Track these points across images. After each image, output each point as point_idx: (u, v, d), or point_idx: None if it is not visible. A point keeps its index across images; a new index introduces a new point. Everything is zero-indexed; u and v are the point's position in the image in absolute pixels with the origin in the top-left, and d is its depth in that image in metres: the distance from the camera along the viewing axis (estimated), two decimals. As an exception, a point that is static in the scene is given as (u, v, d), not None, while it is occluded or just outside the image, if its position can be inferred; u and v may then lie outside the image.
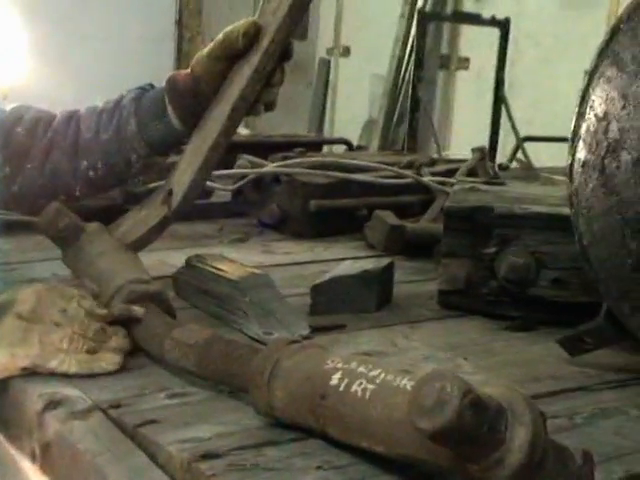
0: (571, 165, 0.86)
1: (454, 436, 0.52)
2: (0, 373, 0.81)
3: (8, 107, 1.17)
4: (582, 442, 0.60)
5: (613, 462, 0.67)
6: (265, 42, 1.03)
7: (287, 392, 0.68)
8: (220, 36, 1.07)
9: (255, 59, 1.03)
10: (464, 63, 4.67)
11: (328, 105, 5.57)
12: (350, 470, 0.64)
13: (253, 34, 1.04)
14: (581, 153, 0.85)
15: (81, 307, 0.85)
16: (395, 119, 4.48)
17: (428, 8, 4.63)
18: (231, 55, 1.06)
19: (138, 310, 0.87)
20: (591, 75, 0.86)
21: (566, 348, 0.90)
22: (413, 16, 4.08)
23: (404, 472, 0.63)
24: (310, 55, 5.83)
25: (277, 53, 1.04)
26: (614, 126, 0.82)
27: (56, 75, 5.93)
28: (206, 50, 1.08)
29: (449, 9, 4.71)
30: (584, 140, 0.85)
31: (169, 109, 1.09)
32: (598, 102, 0.84)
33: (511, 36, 3.71)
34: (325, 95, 5.57)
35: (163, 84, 1.12)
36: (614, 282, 0.81)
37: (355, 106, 5.20)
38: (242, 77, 1.04)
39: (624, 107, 0.82)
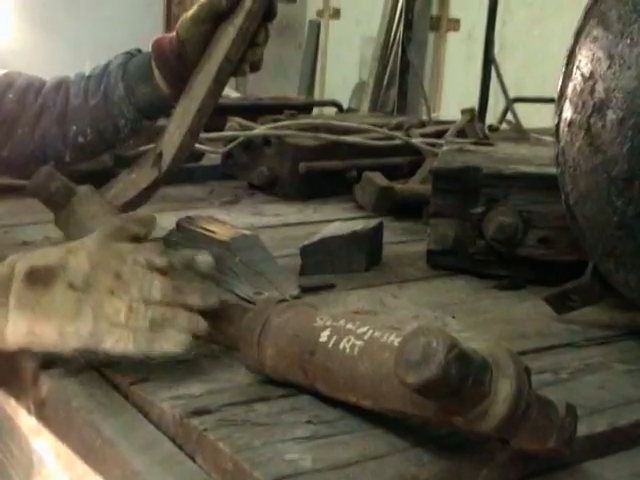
0: (558, 125, 0.87)
1: (439, 389, 0.54)
2: (51, 350, 0.71)
3: None
4: (567, 396, 0.61)
5: (597, 415, 0.69)
6: (248, 2, 1.04)
7: (277, 349, 0.70)
8: None
9: (239, 20, 1.04)
10: (454, 24, 4.64)
11: (318, 68, 5.54)
12: (339, 424, 0.65)
13: None
14: (567, 113, 0.85)
15: (138, 263, 0.71)
16: (385, 81, 4.46)
17: (418, -31, 4.61)
18: (215, 17, 1.06)
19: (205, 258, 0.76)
20: (577, 35, 0.87)
21: (553, 306, 0.92)
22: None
23: (391, 425, 0.64)
24: (300, 17, 5.79)
25: (260, 13, 1.04)
26: (600, 86, 0.82)
27: (44, 38, 5.88)
28: (190, 13, 1.08)
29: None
30: (570, 100, 0.85)
31: (156, 73, 1.10)
32: (584, 62, 0.85)
33: (502, -4, 3.69)
34: (315, 58, 5.54)
35: (150, 45, 1.12)
36: (599, 239, 0.82)
37: (345, 68, 5.18)
38: (227, 38, 1.04)
39: (610, 67, 0.82)
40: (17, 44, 5.77)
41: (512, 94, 2.91)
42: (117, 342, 0.69)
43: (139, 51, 1.16)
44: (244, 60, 1.06)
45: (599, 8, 0.86)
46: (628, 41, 0.81)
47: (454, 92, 4.53)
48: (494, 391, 0.55)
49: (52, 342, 0.70)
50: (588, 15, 0.87)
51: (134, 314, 0.69)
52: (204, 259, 0.76)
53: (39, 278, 0.70)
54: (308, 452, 0.61)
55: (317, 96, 5.37)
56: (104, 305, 0.69)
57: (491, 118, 3.14)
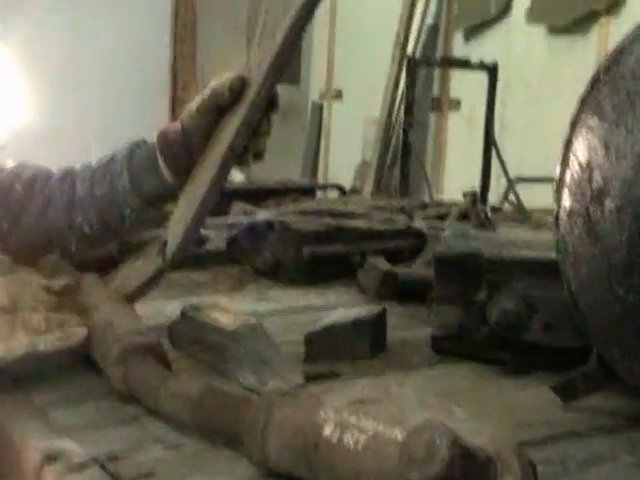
0: (557, 213, 0.88)
1: (444, 487, 0.53)
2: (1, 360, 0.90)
3: (8, 165, 1.19)
4: (574, 489, 0.61)
5: (605, 509, 0.68)
6: (251, 94, 1.06)
7: (280, 443, 0.69)
8: (207, 90, 1.09)
9: (242, 111, 1.06)
10: (455, 105, 4.72)
11: (322, 148, 5.61)
12: (344, 521, 0.64)
13: (239, 87, 1.07)
14: (566, 201, 0.87)
15: (43, 290, 0.96)
16: (388, 162, 4.52)
17: (418, 51, 4.70)
18: (219, 108, 1.08)
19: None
20: (573, 124, 0.88)
21: (558, 393, 0.91)
22: (404, 59, 4.14)
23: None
24: (303, 99, 5.90)
25: (263, 104, 1.06)
26: (597, 174, 0.83)
27: (53, 123, 5.98)
28: (194, 104, 1.11)
29: (439, 50, 4.78)
30: (569, 188, 0.86)
31: (161, 163, 1.12)
32: (581, 151, 0.86)
33: (501, 77, 3.76)
34: (318, 139, 5.62)
35: (155, 136, 1.14)
36: (603, 327, 0.82)
37: (348, 149, 5.24)
38: (230, 129, 1.06)
39: (606, 156, 0.83)
40: (27, 128, 5.87)
41: (514, 173, 2.95)
42: (45, 345, 0.91)
43: (144, 142, 1.18)
44: (247, 150, 1.08)
45: (594, 98, 0.87)
46: (623, 130, 0.83)
47: (456, 171, 4.58)
48: (499, 488, 0.55)
49: (1, 356, 0.89)
50: (583, 104, 0.88)
51: (49, 322, 0.93)
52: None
53: None
54: None
55: (321, 176, 5.44)
56: (31, 320, 0.92)
57: (494, 196, 3.17)
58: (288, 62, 1.08)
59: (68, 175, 1.17)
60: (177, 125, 1.13)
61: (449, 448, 0.53)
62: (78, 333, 0.94)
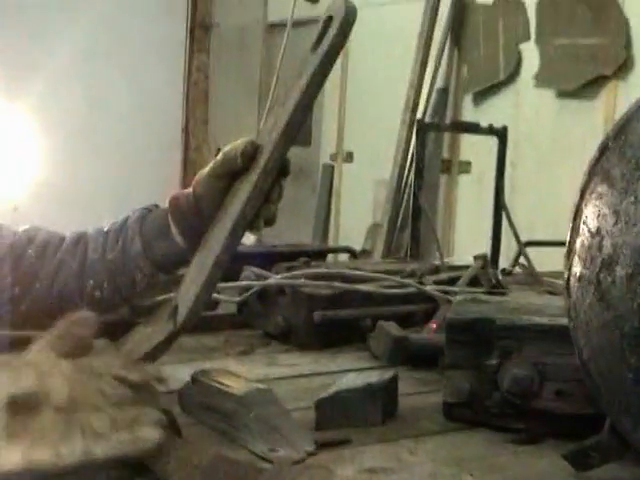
0: (568, 279, 0.88)
1: None
2: (49, 470, 0.73)
3: (21, 228, 1.20)
4: None
5: None
6: (263, 160, 1.07)
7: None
8: (219, 156, 1.11)
9: (254, 177, 1.07)
10: (465, 167, 4.75)
11: (333, 210, 5.64)
12: None
13: (251, 153, 1.08)
14: (577, 268, 0.87)
15: (114, 379, 0.80)
16: (399, 223, 4.54)
17: (428, 114, 4.76)
18: (231, 174, 1.09)
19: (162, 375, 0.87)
20: (583, 191, 0.89)
21: (571, 462, 0.90)
22: (414, 122, 4.18)
23: None
24: (314, 161, 5.95)
25: (275, 170, 1.07)
26: (607, 242, 0.84)
27: (67, 184, 6.04)
28: (206, 169, 1.12)
29: (449, 113, 4.83)
30: (579, 255, 0.87)
31: (172, 228, 1.12)
32: (591, 218, 0.87)
33: (511, 140, 3.78)
34: (329, 200, 5.65)
35: (167, 201, 1.15)
36: (615, 396, 0.82)
37: (359, 211, 5.27)
38: (242, 194, 1.07)
39: (616, 223, 0.84)
40: (41, 190, 5.93)
41: (525, 235, 2.94)
42: (104, 452, 0.74)
43: (156, 206, 1.19)
44: (259, 216, 1.09)
45: (602, 166, 0.88)
46: (632, 198, 0.83)
47: (467, 233, 4.59)
48: None
49: (48, 464, 0.72)
50: (592, 172, 0.89)
51: (115, 424, 0.76)
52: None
53: (21, 406, 0.72)
54: None
55: (332, 238, 5.45)
56: (92, 421, 0.75)
57: (504, 259, 3.17)
58: (299, 129, 1.09)
59: (81, 239, 1.18)
60: (189, 190, 1.14)
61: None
62: (152, 436, 0.78)
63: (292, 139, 1.08)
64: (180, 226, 1.13)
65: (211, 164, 1.12)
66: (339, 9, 1.05)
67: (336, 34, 1.04)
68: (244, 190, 1.08)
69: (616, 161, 0.87)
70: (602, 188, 0.87)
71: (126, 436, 0.76)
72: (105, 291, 1.15)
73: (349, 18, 1.04)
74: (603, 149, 0.89)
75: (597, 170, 0.89)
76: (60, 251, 1.17)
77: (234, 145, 1.10)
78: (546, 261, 2.38)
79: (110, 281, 1.15)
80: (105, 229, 1.19)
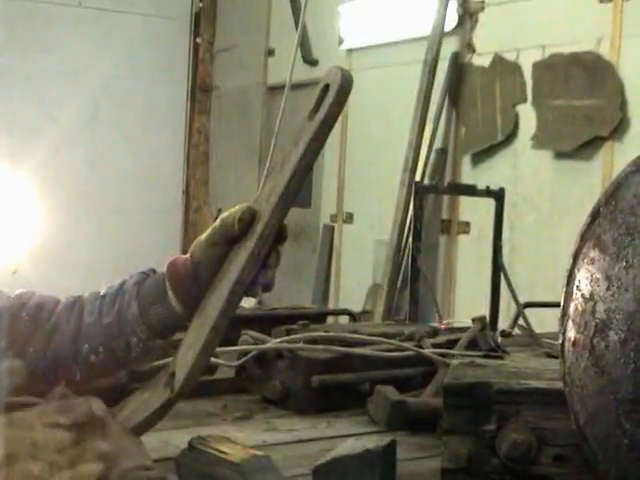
0: (562, 344, 0.89)
1: None
2: None
3: (15, 293, 1.21)
4: None
5: None
6: (259, 227, 1.07)
7: None
8: (217, 222, 1.11)
9: (251, 243, 1.07)
10: (464, 227, 4.77)
11: (333, 270, 5.65)
12: None
13: (248, 219, 1.08)
14: (571, 332, 0.87)
15: (46, 427, 0.88)
16: (399, 284, 4.54)
17: (427, 174, 4.79)
18: (228, 240, 1.10)
19: None
20: (575, 256, 0.90)
21: (570, 529, 0.90)
22: (412, 183, 4.21)
23: None
24: (314, 222, 5.98)
25: (271, 237, 1.08)
26: (600, 307, 0.84)
27: (67, 246, 6.06)
28: (204, 235, 1.12)
29: (447, 175, 4.87)
30: (573, 320, 0.87)
31: (170, 293, 1.13)
32: (584, 283, 0.88)
33: (509, 201, 3.81)
34: (329, 260, 5.67)
35: (165, 266, 1.15)
36: (612, 462, 0.81)
37: (359, 271, 5.28)
38: (239, 261, 1.08)
39: (608, 288, 0.85)
40: (41, 252, 5.95)
41: (525, 295, 2.95)
42: None
43: (154, 271, 1.19)
44: (256, 281, 1.09)
45: (594, 231, 0.89)
46: (624, 264, 0.84)
47: (467, 294, 4.59)
48: None
49: None
50: (584, 237, 0.90)
51: (56, 466, 0.86)
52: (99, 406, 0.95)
53: None
54: None
55: (332, 298, 5.45)
56: (31, 470, 0.85)
57: (504, 318, 3.17)
58: (296, 196, 1.10)
59: (76, 303, 1.18)
60: (187, 256, 1.14)
61: None
62: (92, 470, 0.87)
63: (289, 206, 1.09)
64: (177, 291, 1.13)
65: (209, 230, 1.13)
66: (335, 77, 1.07)
67: (332, 102, 1.06)
68: (241, 256, 1.08)
69: (607, 226, 0.88)
70: (594, 253, 0.88)
71: (67, 474, 0.85)
72: (100, 355, 1.15)
73: (345, 87, 1.06)
74: (595, 214, 0.90)
75: (589, 235, 0.90)
76: (55, 315, 1.17)
77: (231, 212, 1.11)
78: (546, 322, 2.38)
79: (105, 345, 1.14)
80: (102, 293, 1.19)
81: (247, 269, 1.07)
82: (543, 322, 2.36)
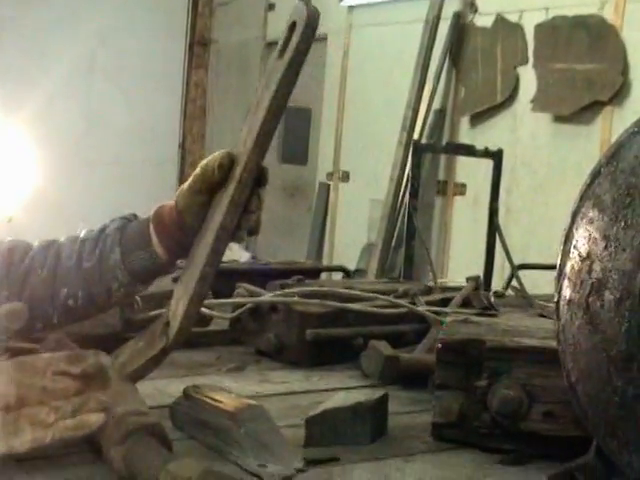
0: (557, 303, 0.89)
1: None
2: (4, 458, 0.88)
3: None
4: None
5: None
6: (238, 171, 1.07)
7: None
8: (197, 169, 1.11)
9: (230, 189, 1.07)
10: (461, 189, 4.77)
11: (328, 228, 5.65)
12: None
13: (227, 165, 1.08)
14: (566, 291, 0.88)
15: (56, 375, 0.92)
16: (394, 243, 4.55)
17: (425, 135, 4.78)
18: (210, 187, 1.09)
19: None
20: (574, 215, 0.90)
21: (557, 484, 0.91)
22: (410, 143, 4.20)
23: None
24: (310, 180, 5.96)
25: (250, 181, 1.07)
26: (597, 266, 0.85)
27: (62, 197, 6.04)
28: (186, 184, 1.12)
29: (446, 135, 4.85)
30: (569, 279, 0.88)
31: (154, 240, 1.12)
32: (581, 242, 0.88)
33: (507, 163, 3.81)
34: (325, 219, 5.67)
35: (152, 212, 1.14)
36: (602, 419, 0.82)
37: (354, 230, 5.28)
38: (221, 207, 1.07)
39: (606, 248, 0.85)
40: (36, 203, 5.93)
41: (519, 258, 2.95)
42: (52, 438, 0.88)
43: (135, 216, 1.18)
44: (240, 227, 1.08)
45: (594, 191, 0.89)
46: (622, 224, 0.84)
47: (461, 254, 4.60)
48: None
49: (3, 454, 0.87)
50: (584, 197, 0.91)
51: (59, 412, 0.90)
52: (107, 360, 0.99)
53: None
54: None
55: (326, 256, 5.46)
56: (38, 414, 0.89)
57: (498, 280, 3.18)
58: (272, 137, 1.09)
59: (51, 246, 1.16)
60: (172, 204, 1.13)
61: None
62: (94, 420, 0.91)
63: (265, 147, 1.08)
64: (163, 238, 1.12)
65: (190, 178, 1.12)
66: (301, 14, 1.04)
67: (299, 40, 1.04)
68: (223, 203, 1.08)
69: (607, 187, 0.88)
70: (593, 213, 0.88)
71: (70, 422, 0.89)
72: (79, 300, 1.13)
73: (312, 22, 1.04)
74: (595, 175, 0.90)
75: (589, 195, 0.90)
76: (28, 257, 1.15)
77: (211, 158, 1.10)
78: (539, 284, 2.39)
79: (85, 290, 1.13)
80: (81, 237, 1.17)
81: (229, 215, 1.07)
82: (536, 285, 2.37)
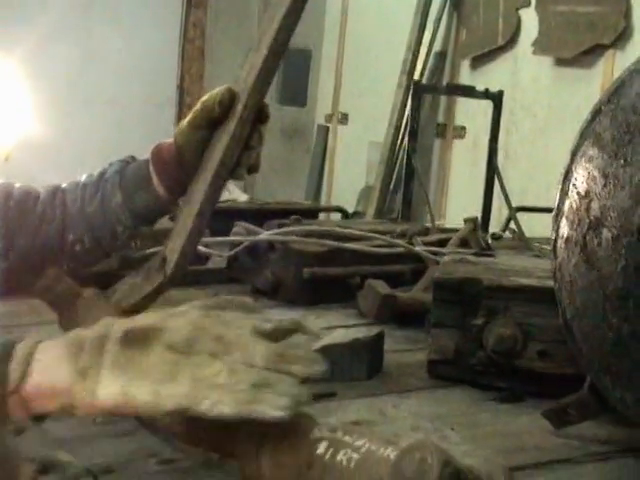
0: (555, 241, 0.89)
1: (433, 506, 0.54)
2: (143, 411, 0.69)
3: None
4: (563, 514, 0.61)
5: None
6: (239, 108, 1.06)
7: (274, 460, 0.70)
8: (198, 105, 1.10)
9: (232, 125, 1.06)
10: (460, 132, 4.74)
11: (326, 171, 5.63)
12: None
13: (228, 101, 1.07)
14: (564, 229, 0.88)
15: (242, 328, 0.70)
16: (392, 186, 4.53)
17: (425, 78, 4.73)
18: (210, 123, 1.08)
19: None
20: (574, 154, 0.90)
21: (551, 420, 0.92)
22: (410, 85, 4.16)
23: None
24: (308, 122, 5.92)
25: (251, 117, 1.07)
26: (595, 204, 0.84)
27: (59, 136, 6.00)
28: (186, 120, 1.11)
29: (446, 77, 4.80)
30: (567, 217, 0.88)
31: (155, 179, 1.12)
32: (580, 180, 0.87)
33: (507, 107, 3.78)
34: (323, 161, 5.64)
35: (150, 152, 1.14)
36: (596, 356, 0.83)
37: (353, 173, 5.26)
38: (221, 143, 1.07)
39: (605, 185, 0.84)
40: (33, 142, 5.90)
41: (517, 202, 2.95)
42: (215, 404, 0.66)
43: (133, 158, 1.17)
44: (240, 164, 1.08)
45: (594, 129, 0.89)
46: (622, 161, 0.84)
47: (460, 198, 4.59)
48: (488, 509, 0.55)
49: (145, 403, 0.67)
50: (584, 135, 0.90)
51: (235, 376, 0.67)
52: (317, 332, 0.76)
53: (136, 339, 0.70)
54: None
55: (324, 199, 5.44)
56: (204, 367, 0.67)
57: (496, 224, 3.18)
58: (273, 74, 1.08)
59: (57, 192, 1.16)
60: (171, 141, 1.13)
61: (440, 467, 0.53)
62: (272, 410, 0.66)
63: (267, 84, 1.07)
64: (163, 176, 1.12)
65: (190, 114, 1.11)
66: None
67: None
68: (223, 139, 1.07)
69: (608, 124, 0.87)
70: (593, 151, 0.88)
71: (243, 396, 0.66)
72: (86, 245, 1.13)
73: None
74: (595, 112, 0.89)
75: (589, 133, 0.89)
76: (40, 203, 1.14)
77: (212, 94, 1.08)
78: (537, 227, 2.39)
79: (90, 234, 1.13)
80: (81, 182, 1.16)
81: (229, 151, 1.06)
82: (534, 228, 2.37)
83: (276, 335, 0.72)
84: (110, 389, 0.68)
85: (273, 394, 0.66)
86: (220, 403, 0.65)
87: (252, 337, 0.70)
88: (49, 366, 0.70)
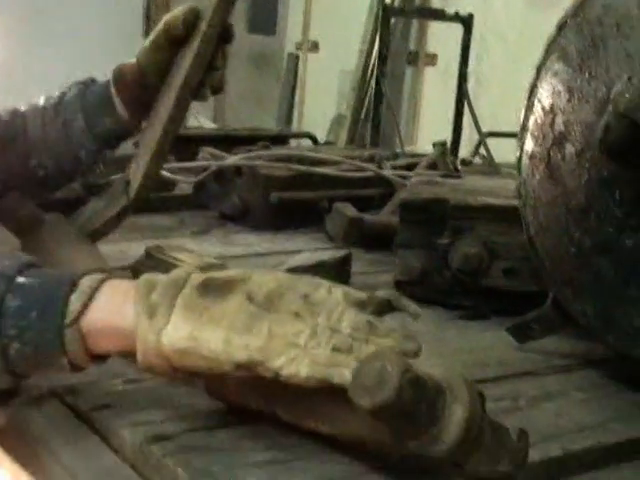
0: (519, 157, 0.89)
1: (393, 413, 0.54)
2: (208, 359, 0.63)
3: None
4: (524, 423, 0.62)
5: (551, 441, 0.70)
6: (203, 26, 1.04)
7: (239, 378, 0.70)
8: (160, 24, 1.07)
9: (195, 44, 1.04)
10: (431, 59, 4.70)
11: (297, 100, 5.58)
12: (298, 450, 0.65)
13: (192, 20, 1.05)
14: (529, 145, 0.87)
15: (333, 293, 0.65)
16: (363, 115, 4.50)
17: (397, 4, 4.67)
18: (173, 42, 1.06)
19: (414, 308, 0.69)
20: (539, 69, 0.89)
21: (515, 336, 0.93)
22: (380, 10, 4.11)
23: (349, 451, 0.64)
24: (278, 50, 5.84)
25: (215, 36, 1.04)
26: (560, 119, 0.84)
27: (21, 72, 5.88)
28: (148, 40, 1.08)
29: (417, 2, 4.74)
30: (532, 133, 0.87)
31: (117, 102, 1.09)
32: (545, 95, 0.87)
33: (478, 32, 3.74)
34: (294, 90, 5.58)
35: (111, 73, 1.11)
36: (558, 270, 0.83)
37: (324, 101, 5.22)
38: (185, 63, 1.05)
39: (569, 100, 0.84)
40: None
41: (488, 128, 2.95)
42: (290, 363, 0.60)
43: (93, 81, 1.15)
44: (204, 84, 1.06)
45: (559, 43, 0.88)
46: (587, 75, 0.83)
47: (431, 124, 4.58)
48: (447, 415, 0.56)
49: (213, 351, 0.62)
50: (549, 50, 0.89)
51: (317, 338, 0.61)
52: (415, 309, 0.70)
53: (214, 289, 0.64)
54: (266, 477, 0.61)
55: (295, 128, 5.40)
56: (284, 324, 0.62)
57: (466, 151, 3.18)
58: None
59: (17, 115, 1.12)
60: (133, 62, 1.10)
61: (399, 376, 0.54)
62: (344, 378, 0.58)
63: (231, 2, 1.05)
64: (125, 98, 1.09)
65: (153, 33, 1.09)
66: None
67: None
68: (187, 58, 1.05)
69: (573, 38, 0.87)
70: (558, 65, 0.87)
71: (322, 359, 0.60)
72: (49, 170, 1.11)
73: None
74: (561, 26, 0.89)
75: (554, 48, 0.88)
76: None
77: (175, 13, 1.06)
78: (507, 153, 2.39)
79: (53, 159, 1.11)
80: (40, 105, 1.13)
81: (193, 71, 1.04)
82: (504, 155, 2.37)
83: (370, 307, 0.66)
84: (179, 332, 0.63)
85: (355, 363, 0.59)
86: (295, 363, 0.60)
87: (342, 302, 0.64)
88: (114, 303, 0.66)
